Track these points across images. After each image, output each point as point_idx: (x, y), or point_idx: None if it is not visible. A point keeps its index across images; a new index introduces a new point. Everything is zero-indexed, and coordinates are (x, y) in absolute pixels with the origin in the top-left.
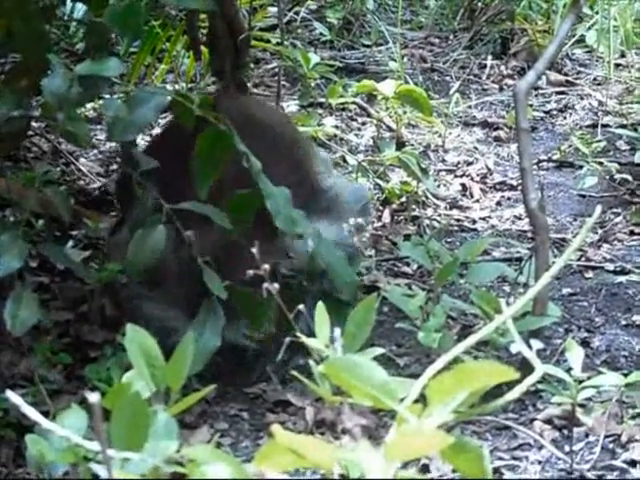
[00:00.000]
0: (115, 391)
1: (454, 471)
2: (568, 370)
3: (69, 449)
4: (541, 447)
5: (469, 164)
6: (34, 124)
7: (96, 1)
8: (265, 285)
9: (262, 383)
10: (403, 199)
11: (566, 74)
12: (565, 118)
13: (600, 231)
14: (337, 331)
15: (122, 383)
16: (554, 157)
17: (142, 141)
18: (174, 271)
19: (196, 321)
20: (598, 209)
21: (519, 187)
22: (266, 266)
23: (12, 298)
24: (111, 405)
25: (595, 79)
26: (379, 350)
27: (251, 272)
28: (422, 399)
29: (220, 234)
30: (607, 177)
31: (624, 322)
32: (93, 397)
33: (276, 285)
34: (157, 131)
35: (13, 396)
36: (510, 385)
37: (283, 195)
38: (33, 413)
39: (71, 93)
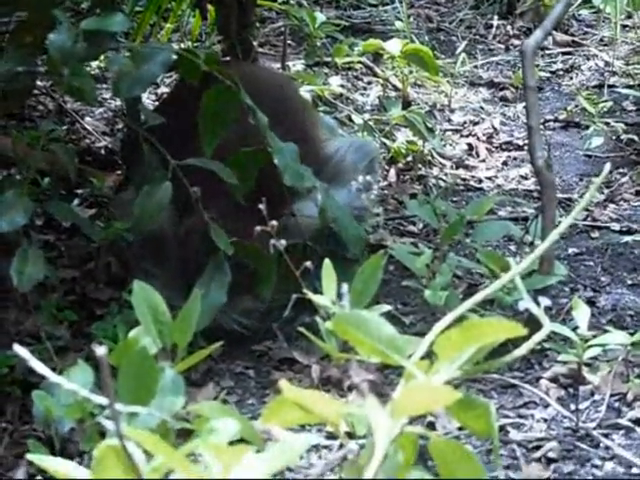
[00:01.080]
0: (122, 347)
1: (460, 429)
2: (574, 329)
3: (76, 404)
4: (547, 405)
5: (475, 124)
6: (39, 83)
7: None
8: (272, 241)
9: (268, 341)
10: (409, 158)
11: (572, 35)
12: (571, 78)
13: (606, 191)
14: (344, 287)
15: (128, 339)
16: (560, 117)
17: (147, 100)
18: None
19: (203, 278)
20: (606, 167)
21: (525, 147)
22: (274, 223)
23: (18, 254)
24: (117, 362)
25: (602, 40)
26: (386, 307)
27: (258, 228)
28: (429, 357)
29: (225, 197)
30: (613, 137)
31: (630, 282)
32: (100, 350)
33: (283, 242)
34: (164, 91)
35: (21, 350)
36: (516, 344)
37: (291, 150)
38: (40, 367)
39: (76, 49)
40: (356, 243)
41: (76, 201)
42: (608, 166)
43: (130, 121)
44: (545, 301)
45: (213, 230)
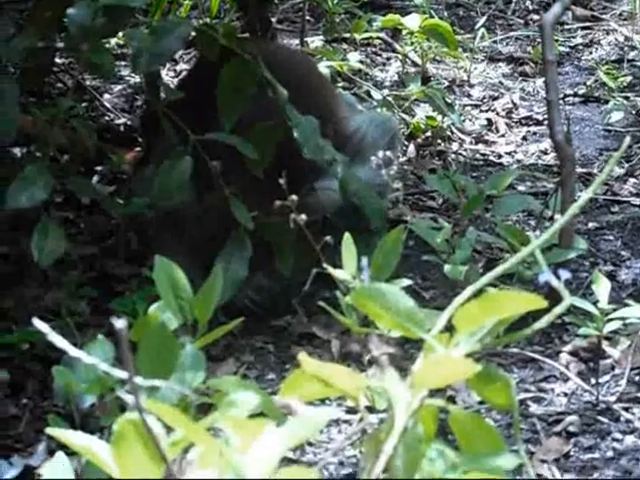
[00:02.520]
0: (142, 323)
1: (480, 403)
2: (594, 303)
3: (96, 379)
4: (567, 379)
5: (494, 99)
6: (58, 60)
7: None
8: (292, 216)
9: (287, 316)
10: (428, 134)
11: (592, 9)
12: (591, 53)
13: (626, 165)
14: (364, 261)
15: (149, 314)
16: (580, 92)
17: (167, 76)
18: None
19: (223, 252)
20: (626, 141)
21: (545, 122)
22: (294, 197)
23: (38, 229)
24: (137, 337)
25: (621, 14)
26: (406, 281)
27: (278, 203)
28: (449, 330)
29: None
30: (633, 112)
31: None
32: (119, 323)
33: (303, 216)
34: (183, 68)
35: (40, 325)
36: (536, 317)
37: (310, 124)
38: (60, 341)
39: (96, 24)
40: (378, 216)
41: (95, 178)
42: (628, 140)
43: (149, 96)
44: (565, 274)
45: (234, 204)
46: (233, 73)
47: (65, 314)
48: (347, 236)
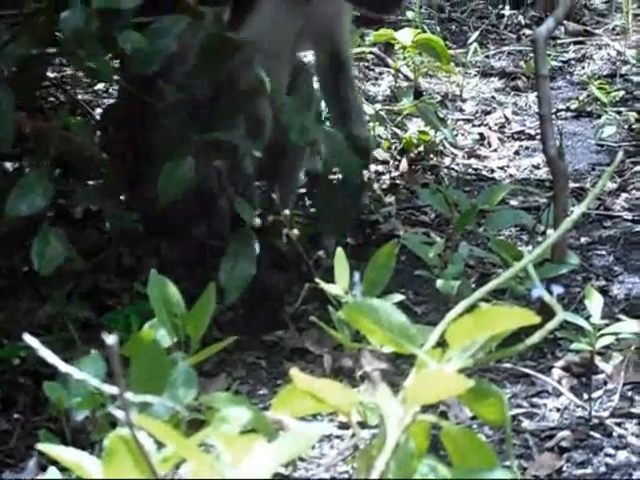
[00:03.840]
0: (134, 339)
1: (473, 418)
2: (587, 318)
3: (87, 395)
4: (559, 395)
5: (487, 113)
6: (50, 74)
7: None
8: (284, 231)
9: (279, 331)
10: (421, 148)
11: (584, 24)
12: (583, 68)
13: (619, 180)
14: (356, 276)
15: (141, 331)
16: (572, 106)
17: None
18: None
19: (229, 251)
20: (619, 156)
21: (537, 136)
22: (286, 212)
23: (39, 237)
24: (130, 353)
25: (614, 29)
26: (398, 296)
27: (271, 218)
28: (441, 346)
29: None
30: (625, 126)
31: None
32: (110, 339)
33: (295, 231)
34: None
35: (31, 340)
36: (529, 333)
37: (296, 105)
38: (51, 357)
39: (90, 28)
40: (356, 173)
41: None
42: (620, 155)
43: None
44: (558, 289)
45: (238, 204)
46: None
47: (56, 329)
48: (339, 250)
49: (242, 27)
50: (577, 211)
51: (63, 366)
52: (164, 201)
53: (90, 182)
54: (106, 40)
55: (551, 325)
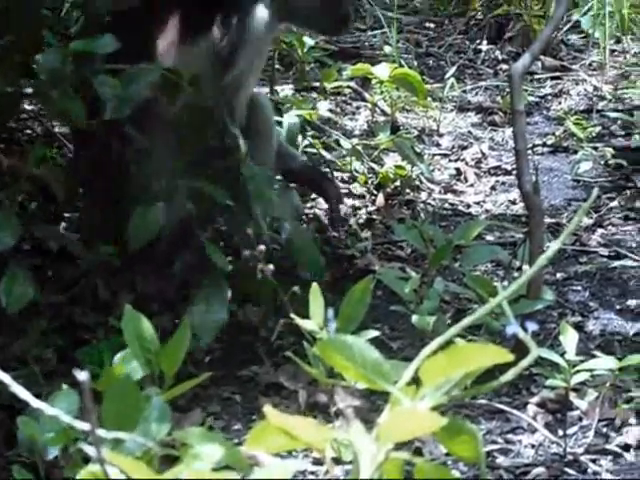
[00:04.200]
0: (107, 374)
1: (447, 454)
2: (562, 354)
3: (60, 430)
4: (534, 431)
5: (463, 148)
6: (27, 107)
7: None
8: (260, 266)
9: (254, 366)
10: (397, 183)
11: (561, 59)
12: (560, 103)
13: (595, 216)
14: (330, 312)
15: (113, 366)
16: (549, 142)
17: None
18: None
19: (201, 296)
20: (594, 192)
21: (514, 172)
22: (262, 247)
23: (7, 275)
24: (103, 387)
25: (590, 64)
26: (373, 333)
27: (247, 252)
28: (416, 382)
29: None
30: (602, 162)
31: (618, 306)
32: (82, 375)
33: (271, 266)
34: None
35: (3, 375)
36: (504, 369)
37: (265, 177)
38: (23, 393)
39: (65, 70)
40: (315, 269)
41: (63, 224)
42: (596, 191)
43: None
44: (532, 326)
45: (210, 249)
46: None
47: (31, 363)
48: (314, 286)
49: (235, 60)
50: (552, 248)
51: (35, 402)
52: (134, 246)
53: (67, 215)
54: (81, 83)
55: (525, 363)
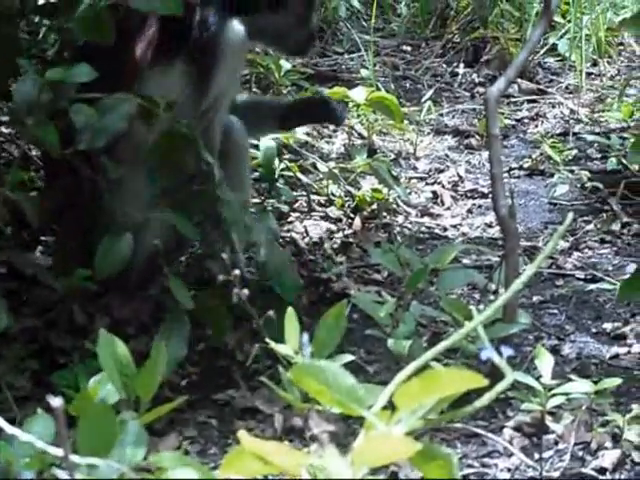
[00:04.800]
0: (82, 398)
1: (423, 479)
2: (538, 377)
3: (36, 456)
4: (510, 455)
5: (440, 172)
6: (4, 130)
7: (65, 7)
8: (235, 291)
9: (230, 390)
10: (374, 206)
11: (538, 82)
12: (536, 126)
13: (571, 239)
14: (305, 337)
15: (88, 390)
16: (525, 165)
17: None
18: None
19: (162, 330)
20: (569, 217)
21: (490, 195)
22: (236, 272)
23: None
24: (78, 412)
25: (567, 87)
26: (348, 357)
27: (221, 277)
28: (391, 406)
29: None
30: (578, 185)
31: (594, 330)
32: (56, 402)
33: (246, 291)
34: None
35: None
36: (480, 392)
37: (240, 202)
38: None
39: (41, 99)
40: (292, 292)
41: (39, 248)
42: (571, 216)
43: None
44: (508, 351)
45: (172, 284)
46: (168, 143)
47: (6, 387)
48: (290, 310)
49: (209, 84)
50: (527, 272)
51: (8, 428)
52: (100, 277)
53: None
54: (56, 111)
55: (500, 388)
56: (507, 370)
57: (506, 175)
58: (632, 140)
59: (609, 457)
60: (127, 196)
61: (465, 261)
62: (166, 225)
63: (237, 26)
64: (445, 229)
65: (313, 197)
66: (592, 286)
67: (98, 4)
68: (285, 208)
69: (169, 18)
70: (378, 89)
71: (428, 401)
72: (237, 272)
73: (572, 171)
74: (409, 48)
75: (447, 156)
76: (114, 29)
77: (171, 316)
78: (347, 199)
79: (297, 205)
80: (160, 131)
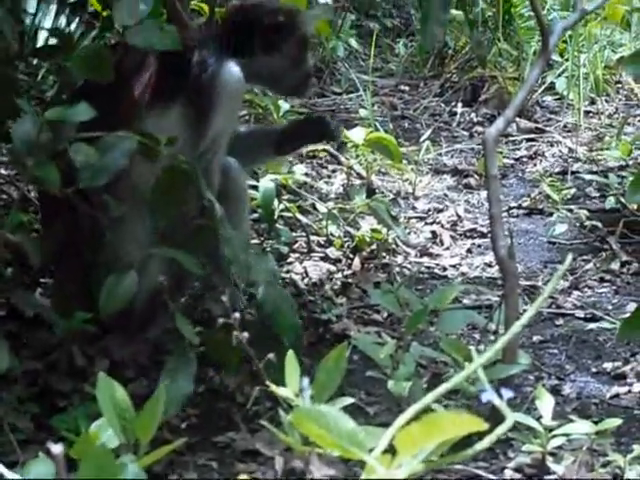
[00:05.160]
0: (82, 441)
1: None
2: (538, 418)
3: None
4: None
5: (439, 211)
6: (3, 171)
7: (64, 47)
8: (235, 334)
9: (231, 432)
10: (373, 247)
11: (536, 121)
12: (535, 165)
13: (570, 278)
14: (305, 381)
15: (89, 433)
16: (524, 204)
17: None
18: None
19: (168, 367)
20: (569, 257)
21: (489, 234)
22: (236, 315)
23: None
24: (78, 455)
25: (565, 126)
26: (348, 400)
27: (221, 320)
28: (392, 449)
29: None
30: (577, 224)
31: (594, 369)
32: (56, 448)
33: (246, 334)
34: None
35: None
36: (480, 433)
37: (241, 241)
38: None
39: (41, 139)
40: (291, 333)
41: (39, 290)
42: (571, 256)
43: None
44: (508, 393)
45: (178, 320)
46: (170, 179)
47: (7, 430)
48: (290, 353)
49: (207, 126)
50: (527, 314)
51: (8, 473)
52: (104, 315)
53: (43, 280)
54: (56, 151)
55: (500, 431)
56: (507, 413)
57: (505, 214)
58: (630, 179)
59: None
60: (128, 234)
61: (465, 301)
62: (167, 263)
63: (234, 68)
64: (444, 269)
65: (312, 238)
66: (592, 325)
67: (97, 42)
68: (284, 249)
69: (167, 59)
70: (376, 129)
71: (429, 444)
72: (237, 315)
73: (571, 210)
74: (407, 88)
75: (446, 196)
76: (113, 67)
77: (177, 353)
78: (346, 239)
79: (296, 246)
80: (161, 168)
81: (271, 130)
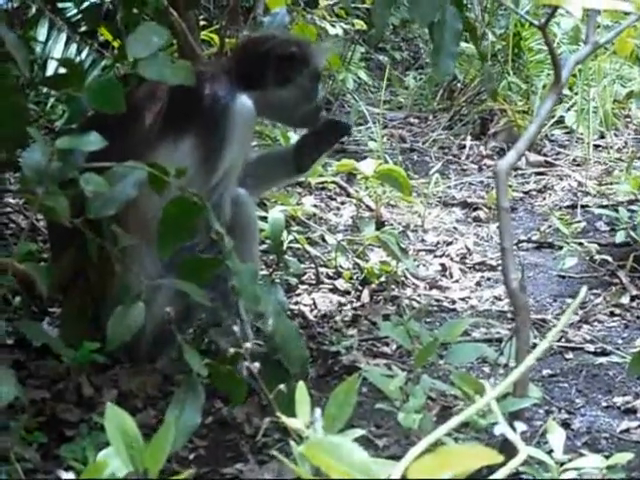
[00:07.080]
0: (90, 471)
1: None
2: (549, 452)
3: None
4: None
5: (448, 244)
6: (12, 200)
7: (74, 76)
8: (245, 364)
9: (239, 464)
10: (382, 279)
11: (545, 155)
12: (544, 199)
13: (580, 312)
14: (317, 412)
15: (97, 463)
16: (534, 237)
17: None
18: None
19: (176, 398)
20: (583, 290)
21: (499, 267)
22: (248, 345)
23: None
24: None
25: (574, 160)
26: (359, 432)
27: (232, 350)
28: None
29: None
30: (587, 258)
31: (605, 403)
32: (66, 476)
33: (256, 364)
34: None
35: None
36: (491, 467)
37: (250, 273)
38: None
39: (50, 168)
40: (298, 364)
41: (47, 319)
42: (584, 290)
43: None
44: (521, 426)
45: (186, 352)
46: (178, 211)
47: (14, 460)
48: (301, 384)
49: (218, 159)
50: (539, 348)
51: None
52: (112, 345)
53: (51, 309)
54: (66, 181)
55: (514, 463)
56: (521, 446)
57: (515, 248)
58: None
59: None
60: (136, 265)
61: (474, 334)
62: (175, 294)
63: (246, 100)
64: (454, 302)
65: (321, 269)
66: (602, 359)
67: (108, 73)
68: (293, 280)
69: (178, 90)
70: (386, 161)
71: (442, 477)
72: (248, 345)
73: (581, 244)
74: (416, 120)
75: (455, 228)
76: (124, 99)
77: (185, 384)
78: (355, 271)
79: (305, 277)
80: (170, 199)
81: (283, 150)
